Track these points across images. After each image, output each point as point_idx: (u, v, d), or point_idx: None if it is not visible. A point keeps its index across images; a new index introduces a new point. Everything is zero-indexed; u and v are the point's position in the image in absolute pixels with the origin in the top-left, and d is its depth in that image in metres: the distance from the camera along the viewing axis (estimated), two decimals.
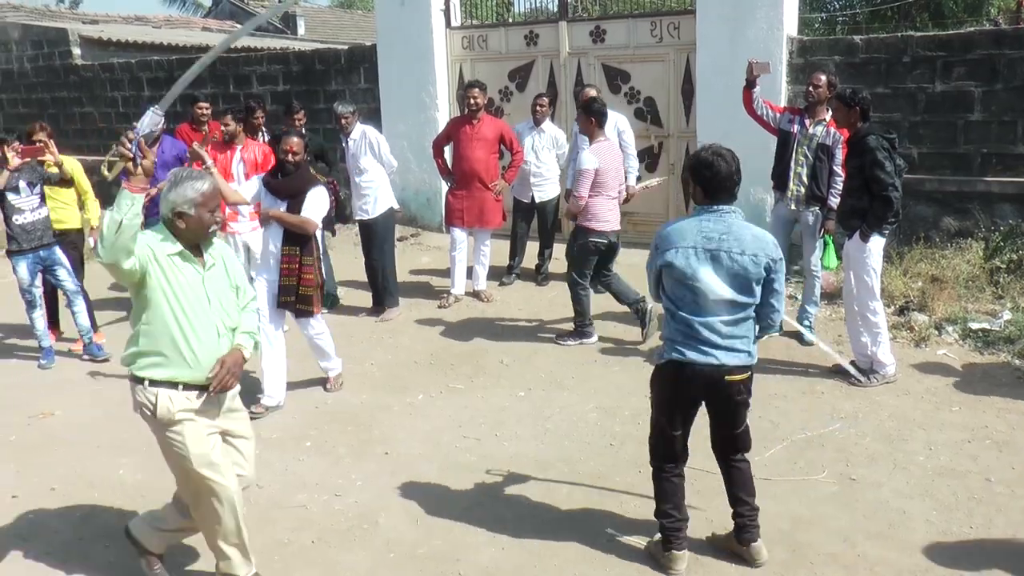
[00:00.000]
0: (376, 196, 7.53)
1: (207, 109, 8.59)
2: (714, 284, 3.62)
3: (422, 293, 8.37)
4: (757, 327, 3.79)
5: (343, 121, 7.54)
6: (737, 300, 3.64)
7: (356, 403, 5.85)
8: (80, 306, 6.87)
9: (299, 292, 5.69)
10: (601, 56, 9.58)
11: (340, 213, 7.08)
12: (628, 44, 9.41)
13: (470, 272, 8.12)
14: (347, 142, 7.62)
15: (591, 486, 4.63)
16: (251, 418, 4.75)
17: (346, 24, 28.11)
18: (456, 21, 10.36)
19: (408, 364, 6.61)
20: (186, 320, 3.44)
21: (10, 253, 6.72)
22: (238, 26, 22.59)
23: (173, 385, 3.45)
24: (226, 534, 3.62)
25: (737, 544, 3.91)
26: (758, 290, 3.68)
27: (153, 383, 3.44)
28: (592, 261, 6.70)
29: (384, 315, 7.69)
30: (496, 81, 10.12)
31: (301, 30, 25.01)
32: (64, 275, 6.82)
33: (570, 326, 6.97)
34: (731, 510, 3.93)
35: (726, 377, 3.68)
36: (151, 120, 3.39)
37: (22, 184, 6.62)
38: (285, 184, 5.70)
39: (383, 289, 7.77)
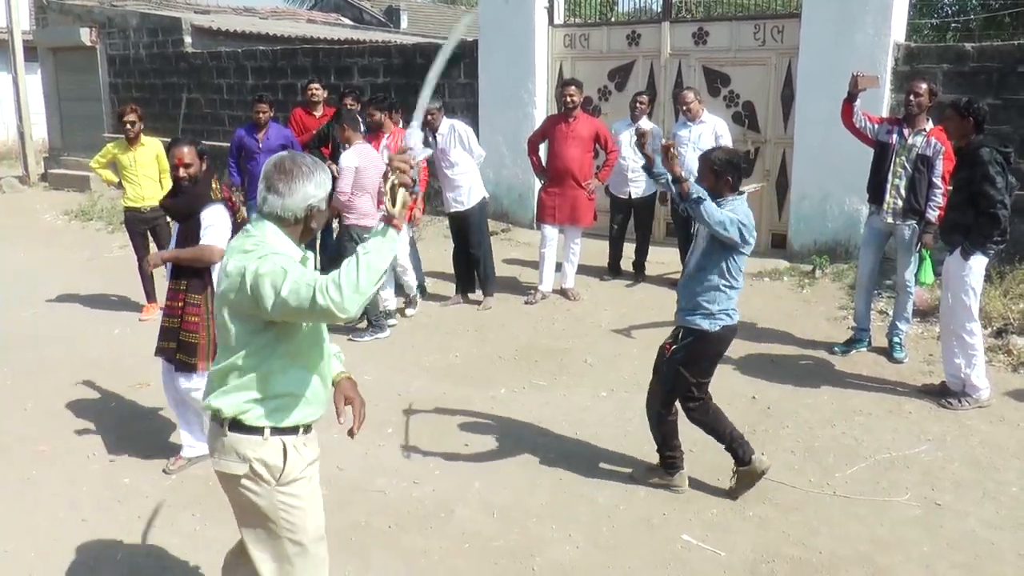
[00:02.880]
0: (469, 187, 7.66)
1: (319, 91, 8.88)
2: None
3: (510, 288, 8.44)
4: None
5: (429, 117, 7.68)
6: None
7: (439, 393, 5.95)
8: None
9: (180, 338, 4.68)
10: (702, 58, 9.49)
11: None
12: (730, 47, 9.30)
13: (559, 269, 8.17)
14: (435, 137, 7.76)
15: (669, 489, 4.63)
16: (165, 472, 4.81)
17: (449, 19, 28.39)
18: (559, 19, 10.39)
19: (492, 358, 6.69)
20: (316, 345, 2.89)
21: None
22: (343, 19, 23.13)
23: (294, 430, 2.85)
24: None
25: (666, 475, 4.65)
26: None
27: (276, 431, 2.81)
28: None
29: (484, 303, 7.82)
30: (595, 80, 10.12)
31: (404, 24, 25.39)
32: None
33: (659, 330, 6.95)
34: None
35: None
36: (417, 136, 2.98)
37: None
38: (177, 204, 4.84)
39: (484, 278, 7.92)
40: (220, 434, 2.81)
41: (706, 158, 4.38)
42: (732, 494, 4.55)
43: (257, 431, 2.78)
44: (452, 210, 7.83)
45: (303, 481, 2.86)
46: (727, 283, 4.31)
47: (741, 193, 4.33)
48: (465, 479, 4.75)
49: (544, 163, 8.17)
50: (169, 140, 5.09)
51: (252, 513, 2.85)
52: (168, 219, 5.01)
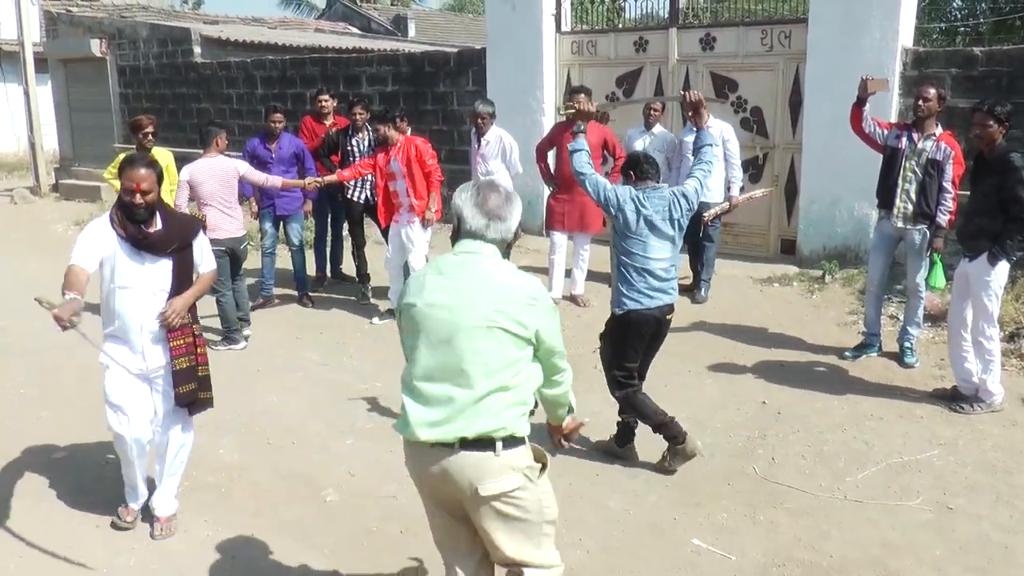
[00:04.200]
0: None
1: (328, 102, 8.92)
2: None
3: None
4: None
5: (480, 121, 7.71)
6: None
7: None
8: None
9: (199, 375, 4.32)
10: (710, 64, 9.50)
11: None
12: (737, 52, 9.31)
13: (569, 276, 8.18)
14: (479, 142, 7.76)
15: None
16: (153, 537, 4.41)
17: (456, 27, 28.51)
18: (566, 26, 10.41)
19: None
20: None
21: None
22: (350, 28, 23.22)
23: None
24: None
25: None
26: None
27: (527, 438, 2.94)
28: (219, 267, 6.69)
29: None
30: (603, 87, 10.14)
31: (411, 32, 25.46)
32: None
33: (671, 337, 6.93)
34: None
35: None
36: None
37: None
38: (165, 236, 4.15)
39: None
40: (488, 459, 2.80)
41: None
42: (668, 469, 4.82)
43: (523, 441, 2.89)
44: None
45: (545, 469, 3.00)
46: (624, 269, 4.69)
47: (656, 188, 4.75)
48: None
49: (553, 170, 8.17)
50: (125, 157, 4.33)
51: (516, 518, 2.89)
52: (140, 249, 4.09)
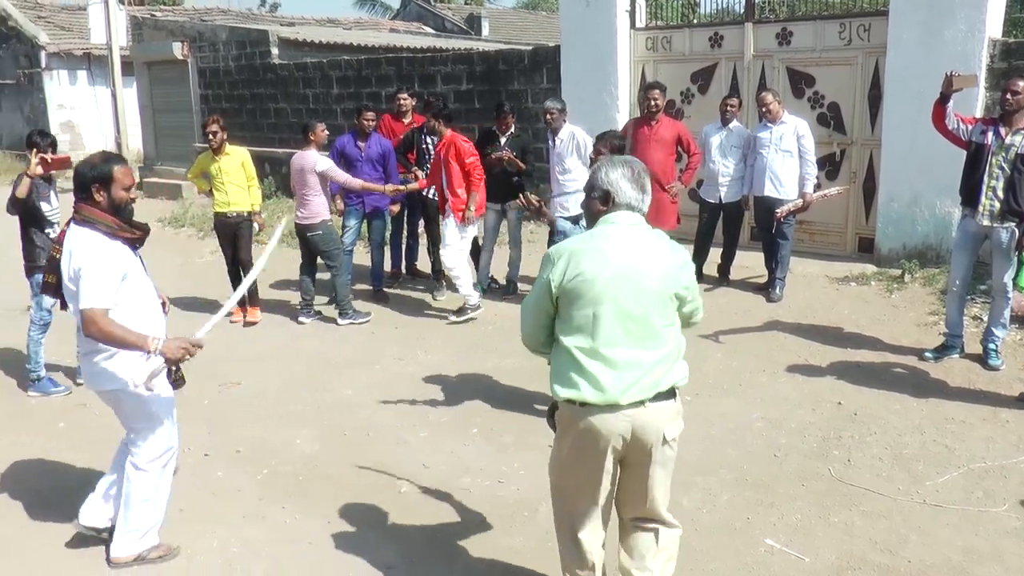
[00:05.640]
0: (577, 196, 7.70)
1: (407, 100, 9.05)
2: None
3: None
4: None
5: (549, 116, 7.74)
6: None
7: (524, 394, 5.99)
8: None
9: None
10: (786, 59, 9.37)
11: None
12: (815, 47, 9.16)
13: None
14: (553, 140, 7.80)
15: (753, 495, 4.58)
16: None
17: (530, 25, 28.58)
18: (641, 22, 10.36)
19: None
20: None
21: (39, 268, 5.95)
22: (425, 28, 23.46)
23: None
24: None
25: None
26: None
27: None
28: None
29: None
30: (678, 83, 10.07)
31: (485, 31, 25.62)
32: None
33: (744, 335, 6.87)
34: None
35: None
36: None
37: (52, 194, 6.33)
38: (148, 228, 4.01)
39: None
40: (670, 406, 3.17)
41: None
42: None
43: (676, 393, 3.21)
44: (556, 215, 7.88)
45: None
46: None
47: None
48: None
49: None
50: (115, 157, 4.02)
51: (671, 461, 3.28)
52: (136, 249, 3.92)
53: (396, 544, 4.19)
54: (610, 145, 5.32)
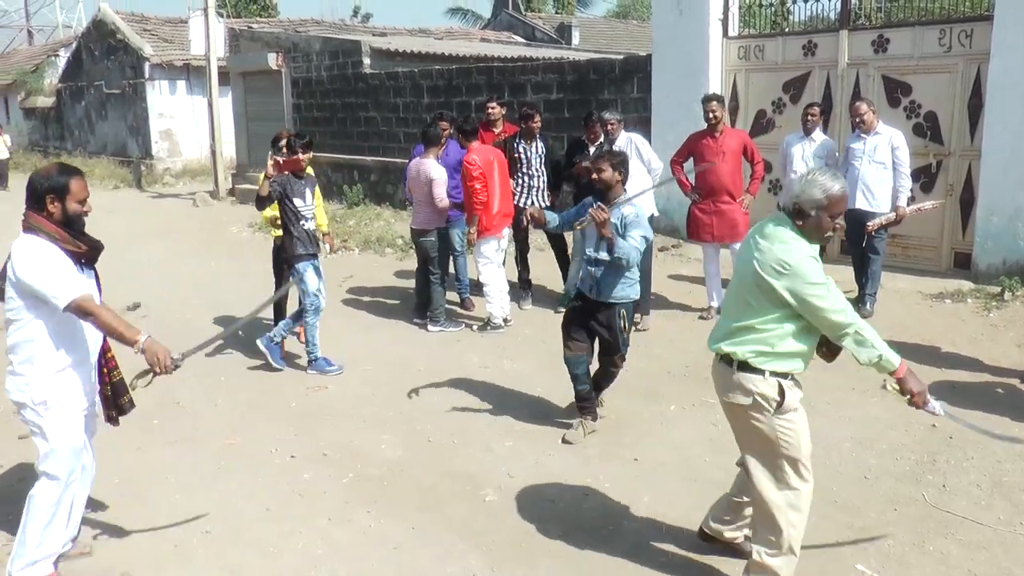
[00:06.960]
0: (641, 200, 7.65)
1: (497, 110, 9.09)
2: None
3: (679, 304, 8.37)
4: None
5: (609, 127, 7.74)
6: None
7: (608, 406, 5.95)
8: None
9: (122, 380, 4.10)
10: (882, 67, 9.15)
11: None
12: (912, 54, 8.92)
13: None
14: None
15: (841, 519, 4.46)
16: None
17: (620, 34, 28.51)
18: (733, 30, 10.25)
19: (661, 374, 6.65)
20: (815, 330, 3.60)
21: (299, 258, 6.72)
22: (515, 37, 23.60)
23: (786, 375, 3.56)
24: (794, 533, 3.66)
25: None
26: None
27: (773, 374, 3.52)
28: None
29: (642, 323, 7.76)
30: (769, 92, 9.93)
31: (575, 40, 25.64)
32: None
33: None
34: None
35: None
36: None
37: (307, 192, 6.74)
38: (100, 245, 3.92)
39: (640, 297, 7.84)
40: (729, 374, 3.59)
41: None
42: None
43: (759, 372, 3.51)
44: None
45: (796, 412, 3.59)
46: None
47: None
48: (634, 493, 4.73)
49: (694, 181, 8.01)
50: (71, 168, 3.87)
51: (755, 437, 3.62)
52: (83, 264, 3.78)
53: (480, 553, 4.20)
54: (611, 163, 5.41)
